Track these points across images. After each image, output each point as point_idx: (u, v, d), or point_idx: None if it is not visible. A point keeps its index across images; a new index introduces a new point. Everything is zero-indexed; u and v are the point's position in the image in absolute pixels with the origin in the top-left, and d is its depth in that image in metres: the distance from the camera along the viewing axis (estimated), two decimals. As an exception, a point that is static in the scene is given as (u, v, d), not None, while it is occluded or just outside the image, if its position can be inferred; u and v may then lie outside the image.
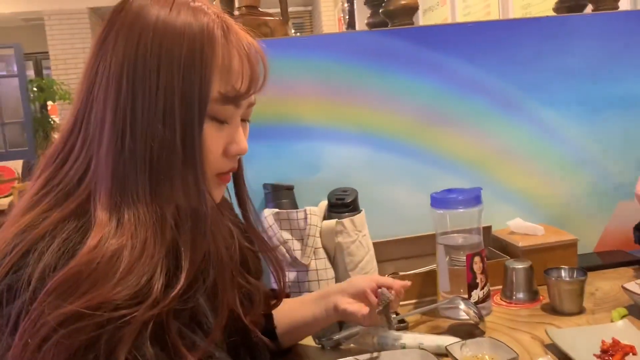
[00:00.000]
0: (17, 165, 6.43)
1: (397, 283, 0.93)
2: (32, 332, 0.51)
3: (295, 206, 1.22)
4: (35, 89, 7.23)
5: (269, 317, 0.92)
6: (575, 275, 1.06)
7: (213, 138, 0.64)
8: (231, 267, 0.74)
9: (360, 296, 0.92)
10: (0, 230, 0.60)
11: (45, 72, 8.70)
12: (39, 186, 0.63)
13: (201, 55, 0.61)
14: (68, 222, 0.58)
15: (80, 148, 0.63)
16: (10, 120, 6.68)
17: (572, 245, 1.19)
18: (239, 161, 0.75)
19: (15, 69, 6.86)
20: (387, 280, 0.95)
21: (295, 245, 1.15)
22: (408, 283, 0.94)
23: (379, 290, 0.90)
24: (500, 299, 1.13)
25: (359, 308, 0.91)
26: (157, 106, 0.60)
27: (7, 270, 0.55)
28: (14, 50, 6.64)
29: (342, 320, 0.96)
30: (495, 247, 1.26)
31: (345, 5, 6.44)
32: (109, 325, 0.53)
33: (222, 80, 0.63)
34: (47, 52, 7.90)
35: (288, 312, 0.95)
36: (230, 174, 0.70)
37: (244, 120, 0.70)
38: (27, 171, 6.40)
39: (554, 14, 1.51)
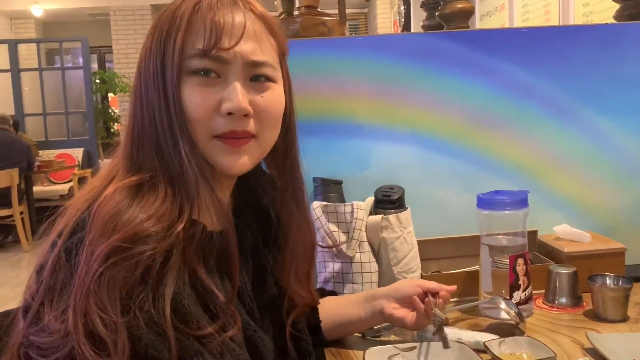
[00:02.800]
0: (78, 153, 6.75)
1: (443, 289, 0.94)
2: (87, 269, 0.58)
3: (342, 200, 1.26)
4: (97, 81, 7.55)
5: (313, 312, 0.95)
6: (620, 283, 1.05)
7: (195, 94, 0.67)
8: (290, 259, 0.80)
9: (406, 301, 0.94)
10: (73, 198, 0.69)
11: (107, 65, 9.07)
12: (108, 164, 0.72)
13: (178, 21, 0.68)
14: (128, 195, 0.66)
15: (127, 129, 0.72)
16: (73, 110, 7.01)
17: (619, 254, 1.18)
18: (292, 149, 0.79)
19: (80, 61, 7.20)
20: (433, 285, 0.95)
21: (341, 237, 1.18)
22: (453, 288, 0.95)
23: (434, 311, 0.90)
24: (543, 302, 1.13)
25: (405, 314, 0.94)
26: (149, 73, 0.68)
27: (72, 231, 0.63)
28: (81, 43, 6.96)
29: (388, 323, 0.99)
30: (540, 251, 1.26)
31: (402, 8, 6.43)
32: (149, 260, 0.59)
33: (194, 36, 0.67)
34: (110, 46, 8.23)
35: (335, 310, 0.98)
36: (247, 143, 0.70)
37: (254, 80, 0.70)
38: (86, 159, 6.70)
39: (614, 21, 1.49)
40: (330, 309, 0.97)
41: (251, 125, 0.69)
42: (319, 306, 0.95)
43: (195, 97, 0.67)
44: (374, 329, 1.01)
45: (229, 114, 0.67)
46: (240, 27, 0.68)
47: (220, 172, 0.70)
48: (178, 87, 0.67)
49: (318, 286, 1.17)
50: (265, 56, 0.70)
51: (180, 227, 0.63)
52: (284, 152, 0.79)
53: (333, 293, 1.07)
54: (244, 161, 0.70)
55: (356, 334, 1.02)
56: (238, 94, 0.67)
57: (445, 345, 0.88)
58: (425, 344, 0.91)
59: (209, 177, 0.67)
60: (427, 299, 0.92)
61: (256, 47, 0.69)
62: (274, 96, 0.71)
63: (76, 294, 0.58)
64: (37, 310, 0.61)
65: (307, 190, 0.84)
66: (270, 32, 0.72)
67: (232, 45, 0.67)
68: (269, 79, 0.71)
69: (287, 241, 0.81)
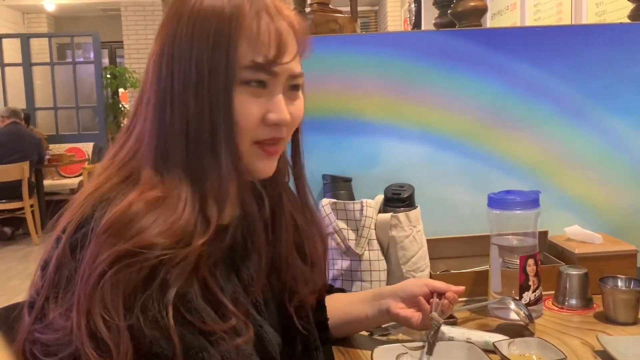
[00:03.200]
0: (87, 148, 6.78)
1: (451, 289, 0.92)
2: (92, 270, 0.58)
3: (352, 198, 1.26)
4: (108, 75, 7.58)
5: (321, 309, 0.95)
6: (631, 286, 1.04)
7: (247, 104, 0.67)
8: (290, 243, 0.80)
9: (413, 301, 0.93)
10: (72, 199, 0.68)
11: (118, 60, 9.11)
12: (108, 157, 0.71)
13: (229, 27, 0.65)
14: (122, 185, 0.66)
15: (138, 124, 0.70)
16: (84, 104, 7.04)
17: (631, 255, 1.17)
18: (297, 146, 0.79)
19: (92, 56, 7.23)
20: (440, 285, 0.93)
21: (350, 235, 1.18)
22: (461, 288, 0.94)
23: (431, 314, 0.89)
24: (552, 303, 1.12)
25: (411, 314, 0.93)
26: (190, 79, 0.65)
27: (76, 227, 0.63)
28: (92, 38, 6.99)
29: (394, 322, 0.98)
30: (551, 252, 1.25)
31: (412, 5, 6.41)
32: (158, 267, 0.59)
33: (251, 48, 0.66)
34: (121, 42, 8.26)
35: (343, 307, 0.97)
36: (280, 149, 0.73)
37: (293, 89, 0.71)
38: (96, 153, 6.74)
39: (629, 21, 1.48)
40: (337, 306, 0.97)
41: (284, 132, 0.71)
42: (325, 303, 0.95)
43: (248, 109, 0.67)
44: (382, 327, 1.01)
45: (274, 124, 0.69)
46: (293, 40, 0.69)
47: (252, 176, 0.72)
48: (231, 97, 0.66)
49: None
50: (299, 66, 0.72)
51: (201, 241, 0.63)
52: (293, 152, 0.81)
53: (341, 290, 1.07)
54: (274, 165, 0.73)
55: (364, 333, 1.02)
56: (284, 107, 0.69)
57: (430, 351, 0.86)
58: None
59: (245, 179, 0.69)
60: (431, 299, 0.91)
61: (295, 58, 0.70)
62: (300, 103, 0.74)
63: (79, 294, 0.58)
64: (42, 306, 0.61)
65: (308, 182, 0.84)
66: (296, 37, 0.72)
67: (289, 61, 0.68)
68: (299, 87, 0.73)
69: (282, 227, 0.81)
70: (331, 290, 1.03)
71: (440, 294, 0.92)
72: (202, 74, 0.65)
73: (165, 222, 0.61)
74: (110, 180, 0.67)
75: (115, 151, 0.71)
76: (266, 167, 0.72)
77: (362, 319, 0.97)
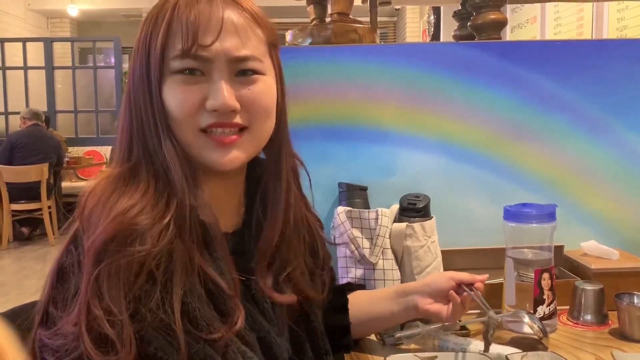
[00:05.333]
0: (106, 151, 6.87)
1: (476, 279, 0.93)
2: (85, 272, 0.59)
3: (367, 206, 1.26)
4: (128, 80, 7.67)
5: (343, 314, 0.95)
6: (648, 303, 1.03)
7: (179, 93, 0.68)
8: (298, 246, 0.80)
9: (440, 295, 0.94)
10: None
11: (138, 65, 9.21)
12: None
13: (162, 20, 0.69)
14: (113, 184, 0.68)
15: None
16: (103, 108, 7.14)
17: (648, 273, 1.16)
18: (281, 136, 0.78)
19: (112, 60, 7.33)
20: (466, 276, 0.94)
21: (365, 243, 1.18)
22: (485, 277, 0.95)
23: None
24: (567, 318, 1.12)
25: (440, 308, 0.93)
26: (136, 74, 0.70)
27: (77, 240, 0.64)
28: (113, 43, 7.09)
29: (422, 318, 0.98)
30: (566, 267, 1.24)
31: (431, 17, 6.41)
32: (147, 261, 0.60)
33: (176, 37, 0.68)
34: (142, 47, 8.36)
35: (366, 305, 0.98)
36: (235, 139, 0.70)
37: (241, 74, 0.70)
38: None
39: (649, 36, 1.47)
40: (359, 304, 0.97)
41: (238, 119, 0.70)
42: (348, 304, 0.95)
43: (177, 96, 0.68)
44: (394, 336, 1.01)
45: (214, 110, 0.68)
46: (219, 23, 0.68)
47: (212, 169, 0.71)
48: (160, 87, 0.68)
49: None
50: (249, 50, 0.70)
51: (167, 218, 0.64)
52: (272, 140, 0.78)
53: (361, 286, 1.06)
54: (233, 156, 0.70)
55: (376, 340, 1.02)
56: (222, 91, 0.68)
57: (487, 348, 0.87)
58: (446, 353, 0.91)
59: (192, 174, 0.68)
60: (465, 294, 0.92)
61: (238, 42, 0.69)
62: (263, 88, 0.72)
63: (81, 299, 0.59)
64: (51, 313, 0.62)
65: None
66: (256, 24, 0.72)
67: (211, 43, 0.68)
68: (256, 71, 0.71)
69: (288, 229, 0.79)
70: (351, 287, 1.03)
71: (468, 285, 0.93)
72: (142, 67, 0.69)
73: (134, 197, 0.64)
74: (106, 179, 0.69)
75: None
76: (220, 157, 0.70)
77: (388, 315, 0.97)
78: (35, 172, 5.06)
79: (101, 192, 0.65)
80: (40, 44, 7.02)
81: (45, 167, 5.12)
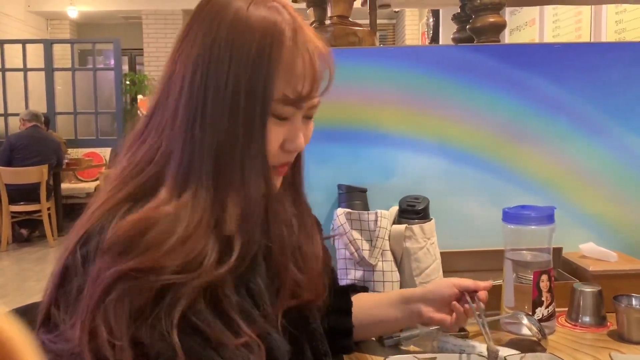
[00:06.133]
0: (105, 153, 6.87)
1: (479, 287, 0.93)
2: (95, 286, 0.58)
3: (366, 208, 1.26)
4: (128, 82, 7.68)
5: (347, 316, 0.95)
6: (646, 305, 1.04)
7: (272, 134, 0.68)
8: (290, 253, 0.78)
9: (443, 303, 0.94)
10: (90, 202, 0.68)
11: (138, 67, 9.23)
12: (123, 163, 0.70)
13: (269, 54, 0.64)
14: (134, 196, 0.65)
15: (154, 132, 0.68)
16: (103, 110, 7.14)
17: (646, 275, 1.16)
18: (299, 154, 0.79)
19: (112, 62, 7.34)
20: (469, 283, 0.94)
21: (364, 245, 1.19)
22: (488, 283, 0.95)
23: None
24: (566, 320, 1.12)
25: (444, 316, 0.94)
26: (224, 101, 0.64)
27: (87, 238, 0.63)
28: (113, 45, 7.10)
29: (426, 324, 0.99)
30: (565, 269, 1.25)
31: (430, 20, 6.43)
32: (166, 287, 0.59)
33: (285, 82, 0.66)
34: (141, 49, 8.39)
35: (370, 309, 0.98)
36: (287, 166, 0.74)
37: (307, 117, 0.73)
38: (114, 159, 6.81)
39: (648, 39, 1.48)
40: (363, 308, 0.97)
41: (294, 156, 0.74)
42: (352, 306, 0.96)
43: (273, 137, 0.68)
44: (394, 337, 1.01)
45: (290, 152, 0.71)
46: (326, 78, 0.71)
47: None
48: (265, 126, 0.66)
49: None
50: (318, 97, 0.72)
51: (222, 269, 0.63)
52: None
53: (364, 288, 1.07)
54: (279, 183, 0.75)
55: (375, 341, 1.03)
56: (301, 136, 0.71)
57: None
58: (445, 354, 0.91)
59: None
60: (467, 305, 0.92)
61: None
62: (311, 129, 0.75)
63: (84, 309, 0.58)
64: (54, 317, 0.62)
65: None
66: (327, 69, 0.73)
67: (315, 95, 0.70)
68: (313, 115, 0.74)
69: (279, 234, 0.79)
70: (355, 289, 1.03)
71: (471, 292, 0.93)
72: (239, 98, 0.64)
73: (176, 240, 0.60)
74: (123, 190, 0.66)
75: (128, 159, 0.69)
76: (277, 185, 0.74)
77: (392, 321, 0.98)
78: (35, 174, 5.06)
79: (145, 221, 0.61)
80: (40, 46, 7.03)
81: (44, 168, 5.12)
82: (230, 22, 0.65)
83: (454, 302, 0.93)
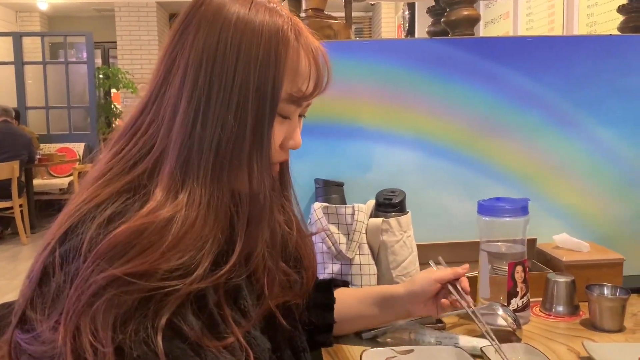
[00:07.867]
0: (79, 148, 6.76)
1: (458, 274, 0.95)
2: (84, 289, 0.56)
3: (343, 202, 1.26)
4: (101, 76, 7.55)
5: (329, 312, 0.96)
6: (617, 294, 1.06)
7: (275, 132, 0.68)
8: (279, 253, 0.78)
9: (429, 299, 0.96)
10: (70, 199, 0.66)
11: (111, 61, 9.07)
12: (107, 158, 0.67)
13: (276, 55, 0.65)
14: (124, 193, 0.63)
15: (148, 126, 0.67)
16: (76, 104, 7.01)
17: (617, 264, 1.19)
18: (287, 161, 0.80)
19: (84, 56, 7.21)
20: (447, 274, 0.95)
21: (341, 239, 1.19)
22: (466, 267, 0.97)
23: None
24: (540, 310, 1.14)
25: (431, 310, 0.96)
26: (231, 99, 0.63)
27: (66, 237, 0.61)
28: (85, 38, 6.97)
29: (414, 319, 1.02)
30: (539, 260, 1.27)
31: (406, 13, 6.45)
32: (155, 292, 0.58)
33: (291, 81, 0.67)
34: (115, 42, 8.24)
35: (354, 306, 0.99)
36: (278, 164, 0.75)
37: (302, 116, 0.75)
38: (87, 153, 6.71)
39: (618, 33, 1.50)
40: (346, 303, 0.98)
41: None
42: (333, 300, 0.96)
43: (277, 135, 0.69)
44: (371, 331, 1.01)
45: (288, 149, 0.72)
46: (326, 76, 0.72)
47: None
48: (272, 125, 0.66)
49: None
50: None
51: (222, 272, 0.64)
52: None
53: (345, 284, 1.07)
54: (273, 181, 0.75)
55: (352, 334, 1.03)
56: (299, 134, 0.72)
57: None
58: (421, 347, 0.92)
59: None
60: (454, 298, 0.94)
61: None
62: (301, 127, 0.76)
63: (68, 310, 0.56)
64: (29, 317, 0.60)
65: (301, 186, 0.83)
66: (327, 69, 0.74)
67: (317, 94, 0.71)
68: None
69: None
70: (336, 284, 1.03)
71: (452, 283, 0.95)
72: (247, 99, 0.64)
73: (171, 243, 0.59)
74: (110, 186, 0.64)
75: (118, 149, 0.67)
76: (271, 186, 0.74)
77: (373, 317, 0.99)
78: (6, 170, 4.95)
79: (139, 234, 0.59)
80: (9, 39, 6.87)
81: (15, 164, 5.01)
82: (235, 23, 0.65)
83: (443, 300, 0.95)
